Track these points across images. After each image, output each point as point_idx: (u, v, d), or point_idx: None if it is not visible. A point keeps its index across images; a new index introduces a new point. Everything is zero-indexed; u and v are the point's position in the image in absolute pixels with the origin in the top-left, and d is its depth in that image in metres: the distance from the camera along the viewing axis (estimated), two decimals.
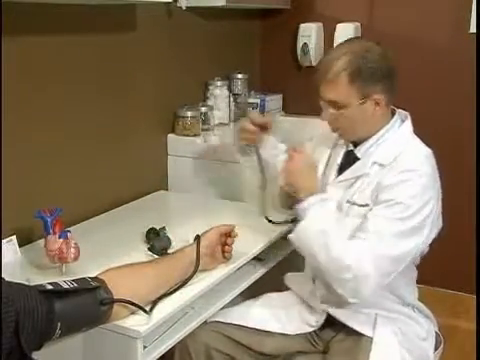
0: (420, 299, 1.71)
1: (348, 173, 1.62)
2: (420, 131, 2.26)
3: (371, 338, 1.56)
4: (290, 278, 1.81)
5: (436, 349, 1.69)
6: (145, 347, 1.37)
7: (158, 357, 1.42)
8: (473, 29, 2.42)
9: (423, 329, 1.65)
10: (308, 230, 1.52)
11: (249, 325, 1.65)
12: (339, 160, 1.67)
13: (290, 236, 1.58)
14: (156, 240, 1.72)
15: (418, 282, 1.72)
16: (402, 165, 1.52)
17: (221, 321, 1.64)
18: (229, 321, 1.65)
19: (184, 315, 1.51)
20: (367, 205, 1.53)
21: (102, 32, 1.99)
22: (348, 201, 1.58)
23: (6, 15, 1.54)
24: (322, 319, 1.65)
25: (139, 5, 2.09)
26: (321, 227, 1.50)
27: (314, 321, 1.66)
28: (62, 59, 1.85)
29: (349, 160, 1.64)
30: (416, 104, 2.59)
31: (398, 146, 1.57)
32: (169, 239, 1.72)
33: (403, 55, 2.59)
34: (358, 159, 1.61)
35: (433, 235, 1.56)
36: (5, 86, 1.63)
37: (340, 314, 1.61)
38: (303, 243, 1.55)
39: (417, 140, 1.61)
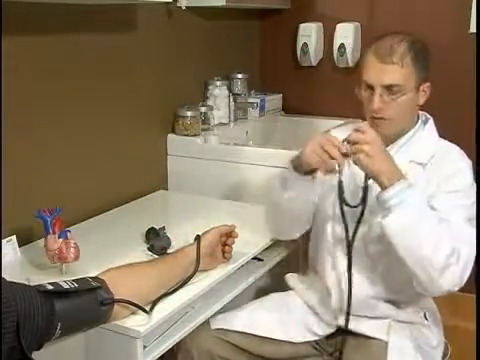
0: None
1: None
2: None
3: (386, 342, 1.54)
4: (292, 279, 1.80)
5: (444, 357, 1.69)
6: (145, 347, 1.37)
7: (158, 357, 1.42)
8: (473, 29, 2.41)
9: (434, 337, 1.65)
10: (410, 220, 1.40)
11: (254, 333, 1.63)
12: None
13: (387, 232, 1.42)
14: (156, 240, 1.72)
15: None
16: (450, 156, 1.56)
17: (225, 328, 1.61)
18: (234, 329, 1.62)
19: (184, 315, 1.51)
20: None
21: (102, 32, 1.99)
22: None
23: (6, 15, 1.54)
24: (331, 330, 1.63)
25: (139, 5, 2.09)
26: (422, 214, 1.42)
27: (322, 331, 1.64)
28: (62, 59, 1.85)
29: None
30: None
31: (431, 145, 1.59)
32: (169, 239, 1.72)
33: None
34: None
35: None
36: (5, 86, 1.63)
37: (354, 325, 1.58)
38: (407, 235, 1.40)
39: (445, 140, 1.63)
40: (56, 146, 1.87)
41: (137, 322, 1.33)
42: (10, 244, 1.65)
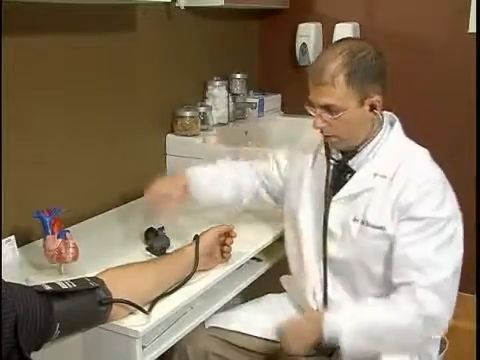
0: None
1: (349, 188, 1.52)
2: (419, 131, 2.24)
3: None
4: (285, 280, 1.79)
5: (441, 352, 1.69)
6: (144, 347, 1.37)
7: (157, 357, 1.42)
8: (472, 29, 2.41)
9: None
10: (353, 346, 1.43)
11: (248, 332, 1.63)
12: (329, 173, 1.56)
13: None
14: (155, 240, 1.71)
15: None
16: (416, 177, 1.45)
17: (221, 327, 1.62)
18: (230, 328, 1.62)
19: (183, 315, 1.51)
20: (383, 228, 1.45)
21: (101, 32, 1.99)
22: (355, 219, 1.49)
23: (6, 15, 1.54)
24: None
25: (138, 5, 2.09)
26: (359, 334, 1.42)
27: None
28: (62, 59, 1.84)
29: (342, 173, 1.54)
30: (415, 104, 2.61)
31: (396, 154, 1.50)
32: (168, 239, 1.72)
33: (402, 55, 2.59)
34: (353, 171, 1.52)
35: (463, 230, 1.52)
36: (5, 86, 1.62)
37: None
38: (363, 354, 1.45)
39: (411, 142, 1.55)
40: (55, 146, 1.87)
41: (136, 322, 1.32)
42: (9, 244, 1.65)
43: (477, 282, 1.71)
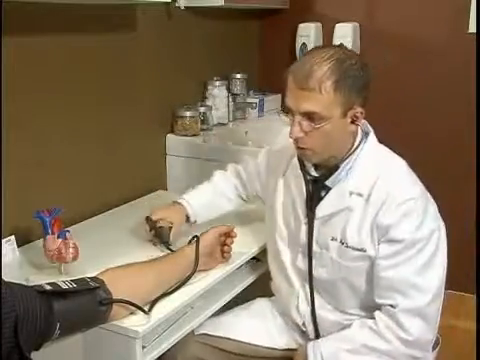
0: None
1: (326, 207, 1.44)
2: (419, 131, 2.28)
3: None
4: (274, 285, 1.73)
5: (434, 349, 1.68)
6: (144, 347, 1.37)
7: (157, 357, 1.42)
8: (472, 29, 2.42)
9: None
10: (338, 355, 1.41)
11: (238, 338, 1.61)
12: (304, 190, 1.48)
13: None
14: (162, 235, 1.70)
15: None
16: (393, 196, 1.36)
17: (210, 334, 1.60)
18: (217, 334, 1.60)
19: (183, 315, 1.51)
20: (364, 250, 1.39)
21: (101, 32, 1.99)
22: (334, 239, 1.43)
23: (6, 15, 1.54)
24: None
25: (138, 5, 2.09)
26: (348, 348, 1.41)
27: (304, 340, 1.59)
28: (62, 59, 1.84)
29: (318, 190, 1.46)
30: (415, 104, 2.61)
31: (371, 169, 1.41)
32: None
33: (402, 55, 2.60)
34: (329, 188, 1.44)
35: (445, 238, 1.45)
36: (5, 86, 1.62)
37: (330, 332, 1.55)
38: None
39: (387, 152, 1.47)
40: (55, 146, 1.87)
41: (136, 322, 1.32)
42: (9, 244, 1.65)
43: (477, 282, 1.71)
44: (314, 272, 1.49)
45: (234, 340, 1.61)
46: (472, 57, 2.38)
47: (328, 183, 1.43)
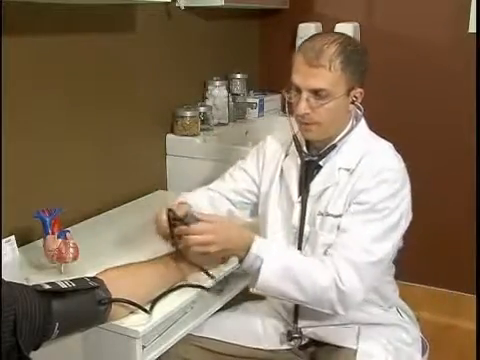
0: (419, 299, 1.70)
1: (317, 185, 1.51)
2: (419, 130, 2.27)
3: (355, 350, 1.51)
4: None
5: (423, 354, 1.68)
6: (144, 347, 1.36)
7: (157, 357, 1.42)
8: (472, 29, 2.42)
9: (409, 335, 1.61)
10: (269, 277, 1.40)
11: (225, 340, 1.60)
12: (297, 173, 1.54)
13: (253, 290, 1.44)
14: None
15: (418, 282, 1.71)
16: (374, 166, 1.44)
17: (195, 334, 1.58)
18: (208, 336, 1.60)
19: (183, 315, 1.50)
20: (341, 216, 1.45)
21: (101, 32, 1.99)
22: (320, 213, 1.49)
23: (6, 15, 1.54)
24: (301, 342, 1.60)
25: (138, 5, 2.09)
26: (281, 265, 1.40)
27: (293, 342, 1.60)
28: (61, 59, 1.84)
29: (310, 170, 1.52)
30: (415, 103, 2.61)
31: (359, 148, 1.49)
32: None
33: (402, 54, 2.60)
34: (320, 167, 1.51)
35: (405, 229, 1.50)
36: (5, 86, 1.62)
37: (322, 334, 1.57)
38: (271, 290, 1.43)
39: (376, 137, 1.54)
40: (55, 146, 1.87)
41: (136, 322, 1.32)
42: (9, 244, 1.64)
43: (477, 282, 1.71)
44: (303, 253, 1.52)
45: (220, 341, 1.61)
46: (472, 57, 2.38)
47: (321, 163, 1.50)
